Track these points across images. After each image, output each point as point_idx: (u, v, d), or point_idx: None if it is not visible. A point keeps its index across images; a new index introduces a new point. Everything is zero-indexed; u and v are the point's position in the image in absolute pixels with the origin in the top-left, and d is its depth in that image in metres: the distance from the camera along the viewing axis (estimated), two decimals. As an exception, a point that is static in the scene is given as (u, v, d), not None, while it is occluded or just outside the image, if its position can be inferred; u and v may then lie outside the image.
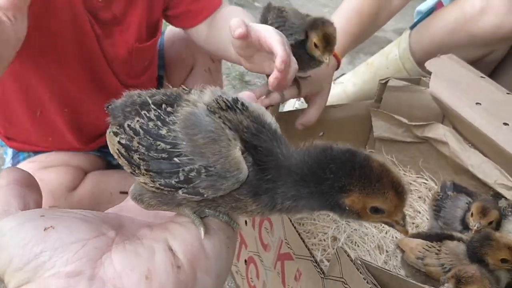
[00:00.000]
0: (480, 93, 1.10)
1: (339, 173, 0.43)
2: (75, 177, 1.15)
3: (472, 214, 0.99)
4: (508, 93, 1.11)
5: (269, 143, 0.44)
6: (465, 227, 1.02)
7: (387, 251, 1.13)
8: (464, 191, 1.09)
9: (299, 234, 0.84)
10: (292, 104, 1.60)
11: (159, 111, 0.46)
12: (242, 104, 0.46)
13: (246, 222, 1.03)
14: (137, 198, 0.47)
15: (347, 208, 0.44)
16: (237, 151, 0.43)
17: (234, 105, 0.45)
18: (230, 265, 0.47)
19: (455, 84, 1.13)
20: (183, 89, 0.49)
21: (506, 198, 1.03)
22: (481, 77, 1.15)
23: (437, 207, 1.09)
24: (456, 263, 0.90)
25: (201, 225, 0.44)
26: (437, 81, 1.15)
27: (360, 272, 0.69)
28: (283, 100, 1.10)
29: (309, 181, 0.43)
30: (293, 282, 0.85)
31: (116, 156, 0.47)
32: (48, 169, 1.14)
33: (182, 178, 0.43)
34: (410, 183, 1.27)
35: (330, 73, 1.17)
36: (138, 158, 0.45)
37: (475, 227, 0.96)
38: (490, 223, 0.97)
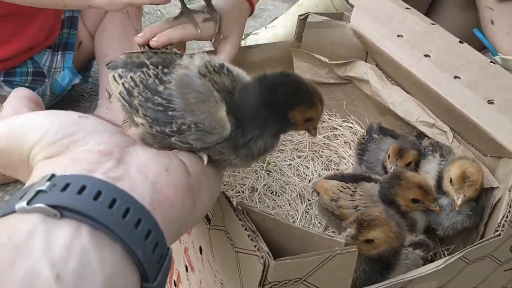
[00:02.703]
0: (403, 25, 1.01)
1: (283, 95, 0.52)
2: None
3: (389, 156, 0.91)
4: (432, 24, 1.02)
5: None
6: (386, 171, 0.95)
7: (309, 200, 1.05)
8: (390, 134, 1.02)
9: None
10: None
11: (157, 70, 0.53)
12: (227, 69, 0.54)
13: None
14: (142, 140, 0.53)
15: (291, 121, 0.53)
16: (222, 112, 0.51)
17: (220, 70, 0.53)
18: (218, 193, 0.56)
19: (377, 17, 1.03)
20: (175, 53, 0.56)
21: (428, 137, 0.96)
22: (406, 8, 1.06)
23: (361, 151, 1.01)
24: (370, 205, 0.83)
25: (204, 154, 0.52)
26: (359, 14, 1.06)
27: (239, 219, 0.60)
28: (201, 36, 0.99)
29: (263, 111, 0.51)
30: (186, 236, 0.77)
31: (119, 97, 0.54)
32: None
33: (175, 129, 0.50)
34: (336, 128, 1.19)
35: (242, 15, 1.05)
36: (138, 103, 0.52)
37: (392, 169, 0.88)
38: (408, 164, 0.90)
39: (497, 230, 0.71)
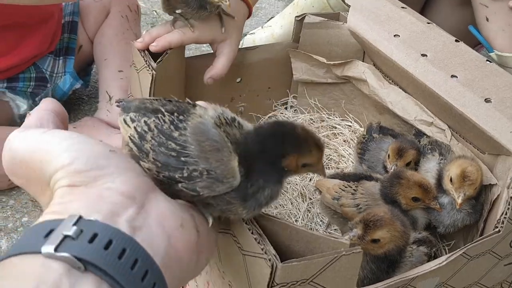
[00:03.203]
0: (399, 24, 1.03)
1: (277, 144, 0.54)
2: None
3: (389, 156, 0.93)
4: (429, 23, 1.03)
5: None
6: (387, 170, 0.96)
7: (310, 199, 1.07)
8: (390, 133, 1.03)
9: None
10: None
11: (172, 117, 0.54)
12: (238, 122, 0.56)
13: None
14: None
15: (286, 169, 0.55)
16: (235, 162, 0.52)
17: (232, 123, 0.55)
18: (213, 255, 0.58)
19: (374, 17, 1.05)
20: (189, 102, 0.58)
21: (427, 136, 0.98)
22: (402, 7, 1.07)
23: (362, 150, 1.03)
24: (371, 203, 0.85)
25: (209, 215, 0.54)
26: (355, 14, 1.07)
27: (246, 223, 0.62)
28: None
29: (263, 163, 0.53)
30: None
31: (128, 140, 0.54)
32: None
33: (185, 174, 0.50)
34: (335, 127, 1.20)
35: (240, 19, 1.06)
36: (150, 147, 0.52)
37: (392, 169, 0.90)
38: (408, 164, 0.91)
39: (497, 227, 0.72)
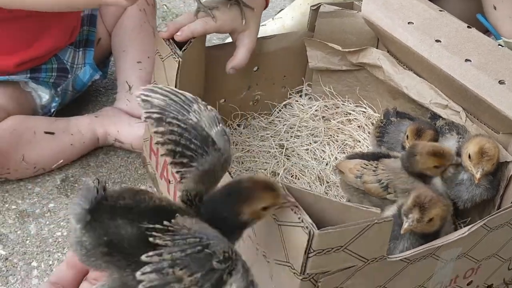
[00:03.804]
0: (412, 12, 1.06)
1: (228, 205, 0.58)
2: None
3: (407, 136, 0.96)
4: (441, 11, 1.07)
5: None
6: (405, 150, 1.00)
7: (327, 182, 1.11)
8: (407, 117, 1.07)
9: (229, 173, 0.80)
10: None
11: None
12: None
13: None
14: None
15: (249, 220, 0.58)
16: None
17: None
18: None
19: (387, 5, 1.08)
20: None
21: (442, 118, 1.01)
22: (414, -4, 1.11)
23: (380, 134, 1.06)
24: (392, 177, 0.90)
25: None
26: (369, 3, 1.11)
27: (282, 195, 0.65)
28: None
29: (224, 227, 0.55)
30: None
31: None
32: None
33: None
34: (349, 113, 1.24)
35: (258, 10, 1.10)
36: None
37: None
38: None
39: (514, 200, 0.77)
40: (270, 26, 1.56)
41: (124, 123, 1.21)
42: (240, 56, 1.07)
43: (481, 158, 0.82)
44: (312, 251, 0.62)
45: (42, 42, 1.16)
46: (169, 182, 1.04)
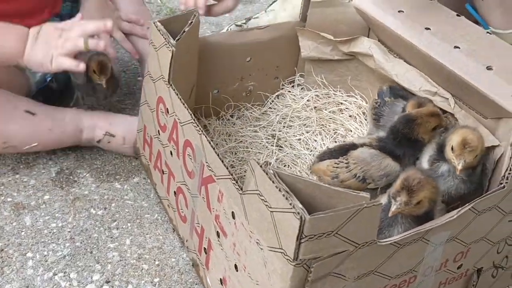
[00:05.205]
0: (402, 1, 1.08)
1: None
2: None
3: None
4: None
5: None
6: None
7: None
8: (401, 95, 1.07)
9: (217, 155, 0.81)
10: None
11: None
12: None
13: (171, 152, 0.99)
14: None
15: None
16: None
17: None
18: None
19: (378, -6, 1.09)
20: None
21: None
22: (404, -15, 1.12)
23: (376, 116, 1.07)
24: (366, 168, 0.92)
25: None
26: (360, -8, 1.11)
27: (273, 181, 0.66)
28: None
29: None
30: (217, 204, 0.83)
31: None
32: None
33: None
34: (341, 103, 1.25)
35: None
36: None
37: None
38: None
39: (501, 183, 0.78)
40: (263, 18, 1.57)
41: (117, 116, 1.22)
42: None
43: (463, 149, 0.82)
44: (304, 236, 0.63)
45: (27, 23, 1.15)
46: (163, 172, 1.05)
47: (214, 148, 0.82)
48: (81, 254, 1.02)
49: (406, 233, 0.72)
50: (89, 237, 1.05)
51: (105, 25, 1.02)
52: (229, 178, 0.78)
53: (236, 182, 0.76)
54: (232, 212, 0.78)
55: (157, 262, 1.01)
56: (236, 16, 1.80)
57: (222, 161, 0.80)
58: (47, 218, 1.08)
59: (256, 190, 0.70)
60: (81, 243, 1.04)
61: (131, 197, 1.15)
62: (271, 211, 0.68)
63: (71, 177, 1.18)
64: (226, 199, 0.80)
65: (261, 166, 0.69)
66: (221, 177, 0.81)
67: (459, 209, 0.74)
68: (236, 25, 1.56)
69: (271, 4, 1.64)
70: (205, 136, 0.84)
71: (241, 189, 0.75)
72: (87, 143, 1.20)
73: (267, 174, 0.68)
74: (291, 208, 0.63)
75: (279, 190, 0.65)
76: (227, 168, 0.78)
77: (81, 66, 1.02)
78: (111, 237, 1.06)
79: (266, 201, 0.68)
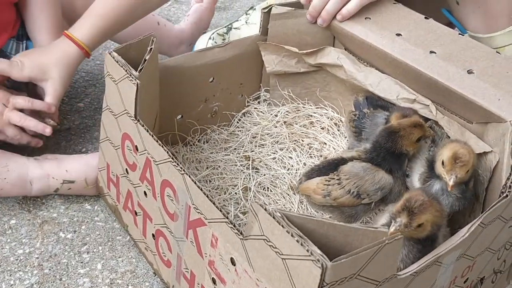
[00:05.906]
0: (367, 7, 1.04)
1: None
2: None
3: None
4: (395, 3, 1.06)
5: None
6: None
7: (300, 190, 1.06)
8: (380, 105, 1.02)
9: (207, 196, 0.73)
10: (205, 42, 1.44)
11: None
12: None
13: (145, 193, 0.90)
14: None
15: None
16: None
17: None
18: None
19: (341, 2, 1.05)
20: None
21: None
22: (366, -10, 1.08)
23: (357, 128, 1.02)
24: (359, 182, 0.87)
25: None
26: (323, 1, 1.07)
27: (282, 226, 0.60)
28: None
29: None
30: (210, 249, 0.76)
31: None
32: None
33: None
34: (311, 115, 1.20)
35: (59, 56, 1.05)
36: None
37: None
38: None
39: (503, 192, 0.76)
40: (245, 30, 1.49)
41: (71, 159, 1.10)
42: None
43: (454, 164, 0.79)
44: (325, 284, 0.58)
45: None
46: (136, 213, 0.96)
47: (201, 189, 0.74)
48: (49, 282, 0.94)
49: (423, 260, 0.68)
50: (58, 263, 0.97)
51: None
52: (225, 222, 0.71)
53: (234, 226, 0.70)
54: (231, 259, 0.71)
55: (130, 287, 0.94)
56: (211, 24, 1.69)
57: (214, 203, 0.72)
58: (13, 245, 1.00)
59: (262, 235, 0.64)
60: (49, 269, 0.96)
61: (101, 218, 1.07)
62: (283, 259, 0.61)
63: (38, 199, 1.09)
64: (222, 244, 0.73)
65: (265, 209, 0.63)
66: (213, 221, 0.73)
67: (469, 226, 0.71)
68: (219, 34, 1.47)
69: (247, 12, 1.56)
70: (189, 176, 0.76)
71: (241, 233, 0.68)
72: (40, 193, 1.07)
73: (274, 218, 0.61)
74: (309, 256, 0.57)
75: (292, 236, 0.59)
76: (221, 210, 0.71)
77: None
78: (82, 262, 0.98)
79: (275, 247, 0.62)
